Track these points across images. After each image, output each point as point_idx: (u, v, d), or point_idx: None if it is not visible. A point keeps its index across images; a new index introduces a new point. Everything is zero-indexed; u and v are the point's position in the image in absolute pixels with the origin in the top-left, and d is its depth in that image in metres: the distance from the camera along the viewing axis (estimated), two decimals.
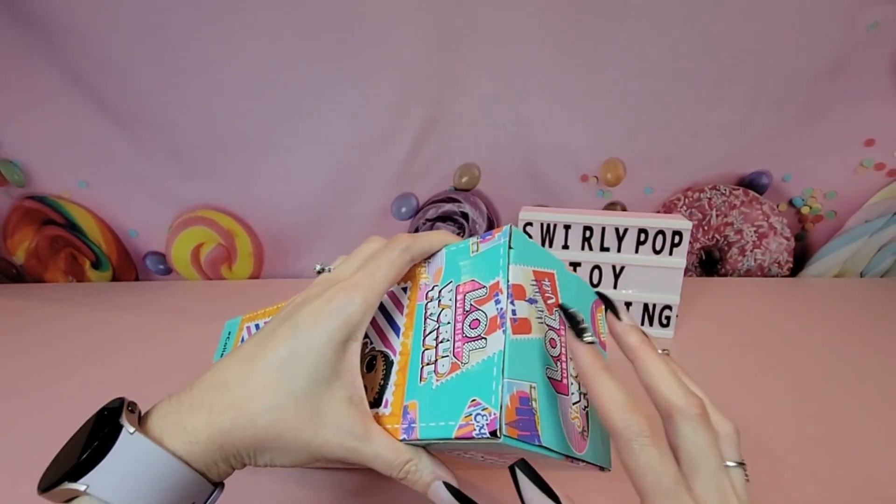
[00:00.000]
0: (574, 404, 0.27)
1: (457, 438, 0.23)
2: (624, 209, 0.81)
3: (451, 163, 0.79)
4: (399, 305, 0.30)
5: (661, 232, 0.59)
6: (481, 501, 0.26)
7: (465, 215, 0.82)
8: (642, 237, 0.59)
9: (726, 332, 0.63)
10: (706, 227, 0.81)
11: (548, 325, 0.27)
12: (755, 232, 0.80)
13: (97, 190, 0.77)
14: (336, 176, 0.78)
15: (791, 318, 0.68)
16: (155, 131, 0.73)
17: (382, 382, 0.28)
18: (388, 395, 0.27)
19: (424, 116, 0.75)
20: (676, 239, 0.58)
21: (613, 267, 0.61)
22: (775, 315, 0.68)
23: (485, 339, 0.25)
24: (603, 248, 0.61)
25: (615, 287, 0.62)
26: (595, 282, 0.62)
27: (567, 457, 0.26)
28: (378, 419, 0.27)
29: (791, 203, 0.81)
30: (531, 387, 0.24)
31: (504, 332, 0.24)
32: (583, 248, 0.61)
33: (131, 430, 0.23)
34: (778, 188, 0.80)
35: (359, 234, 0.80)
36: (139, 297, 0.76)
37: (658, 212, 0.81)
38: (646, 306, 0.61)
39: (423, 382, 0.26)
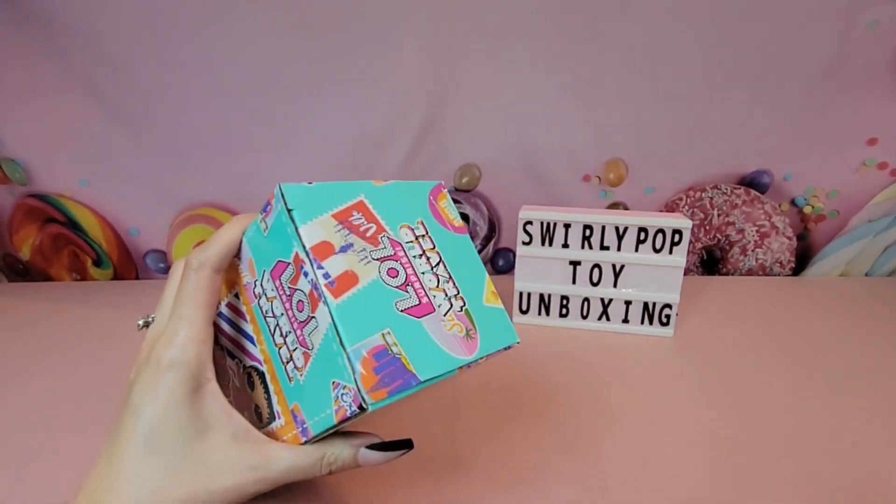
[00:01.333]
0: (446, 314, 0.26)
1: (339, 423, 0.23)
2: (626, 209, 0.81)
3: (451, 163, 0.79)
4: (240, 314, 0.27)
5: (661, 231, 0.58)
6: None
7: (465, 216, 0.82)
8: (642, 236, 0.59)
9: (726, 332, 0.63)
10: (708, 227, 0.81)
11: (378, 258, 0.25)
12: (757, 231, 0.80)
13: (98, 188, 0.77)
14: (336, 175, 0.78)
15: (792, 317, 0.67)
16: (156, 130, 0.74)
17: (266, 396, 0.26)
18: (276, 407, 0.26)
19: (425, 116, 0.75)
20: (676, 238, 0.58)
21: (613, 266, 0.61)
22: (776, 314, 0.68)
23: (314, 317, 0.23)
24: (603, 247, 0.61)
25: (615, 286, 0.61)
26: (595, 280, 0.62)
27: (461, 368, 0.25)
28: (276, 433, 0.26)
29: (793, 202, 0.80)
30: (384, 334, 0.23)
31: (325, 302, 0.23)
32: (583, 247, 0.61)
33: None
34: (779, 187, 0.79)
35: None
36: (139, 296, 0.77)
37: (660, 211, 0.81)
38: (646, 305, 0.61)
39: (292, 382, 0.25)
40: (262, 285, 0.25)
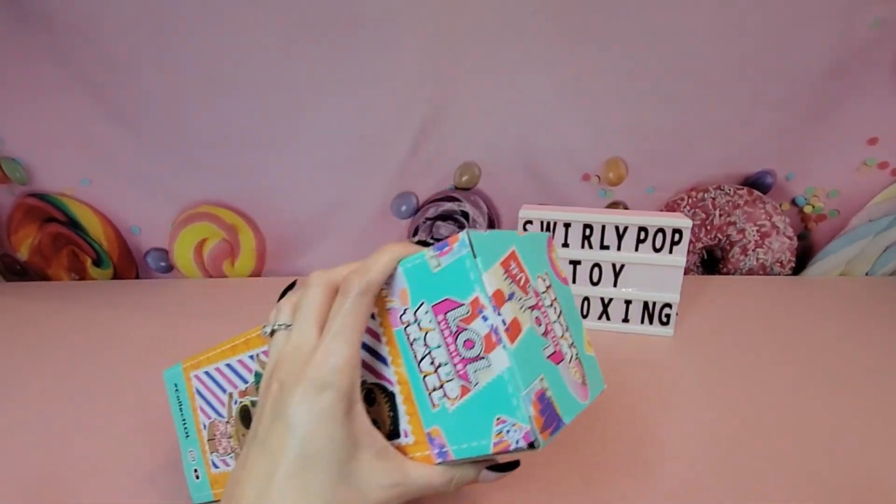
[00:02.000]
0: (570, 361, 0.28)
1: (495, 454, 0.25)
2: (626, 209, 0.81)
3: (451, 161, 0.79)
4: (374, 335, 0.28)
5: (661, 230, 0.58)
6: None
7: (465, 214, 0.81)
8: (642, 235, 0.59)
9: (726, 331, 0.63)
10: (709, 227, 0.81)
11: (529, 306, 0.26)
12: (757, 231, 0.80)
13: (100, 187, 0.77)
14: (336, 174, 0.78)
15: (792, 316, 0.67)
16: (158, 129, 0.74)
17: (392, 414, 0.27)
18: (405, 426, 0.27)
19: (425, 115, 0.75)
20: (676, 237, 0.58)
21: (613, 265, 0.61)
22: (776, 314, 0.68)
23: (486, 357, 0.24)
24: (603, 247, 0.60)
25: (615, 285, 0.61)
26: (595, 280, 0.62)
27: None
28: (403, 449, 0.27)
29: (794, 202, 0.80)
30: (541, 379, 0.25)
31: (503, 346, 0.24)
32: (582, 247, 0.61)
33: None
34: (781, 187, 0.79)
35: (359, 232, 0.81)
36: (140, 296, 0.77)
37: (660, 211, 0.81)
38: (646, 304, 0.61)
39: (436, 409, 0.26)
40: (415, 314, 0.26)
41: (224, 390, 0.34)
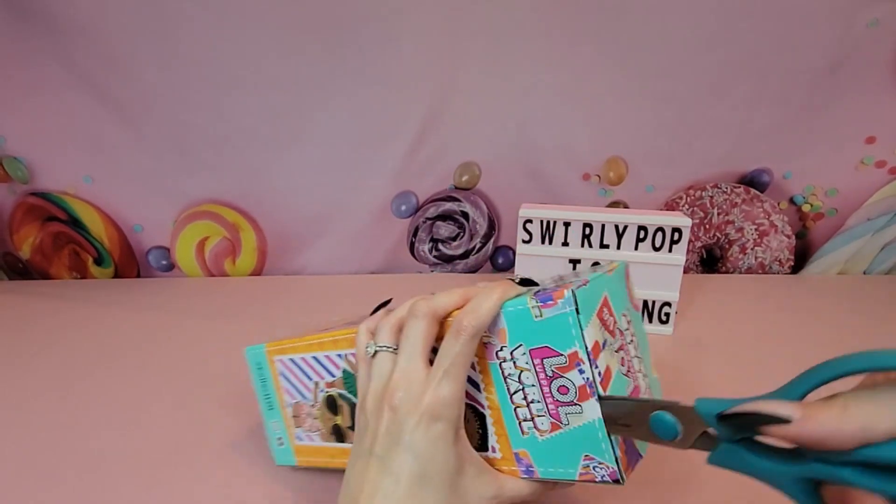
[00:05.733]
0: (644, 392, 0.29)
1: (580, 481, 0.27)
2: (626, 208, 0.81)
3: (451, 161, 0.80)
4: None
5: (661, 229, 0.59)
6: None
7: (465, 214, 0.82)
8: (642, 234, 0.59)
9: (726, 329, 0.63)
10: (707, 226, 0.81)
11: (616, 349, 0.28)
12: (756, 230, 0.80)
13: (102, 186, 0.78)
14: (337, 173, 0.78)
15: (791, 314, 0.68)
16: (160, 127, 0.74)
17: (480, 431, 0.30)
18: (493, 443, 0.29)
19: (425, 114, 0.75)
20: (676, 236, 0.58)
21: None
22: (775, 312, 0.68)
23: (578, 405, 0.26)
24: (602, 246, 0.61)
25: None
26: None
27: None
28: (491, 462, 0.30)
29: (792, 201, 0.80)
30: None
31: (596, 399, 0.26)
32: (582, 245, 0.61)
33: None
34: (779, 186, 0.80)
35: (359, 231, 0.81)
36: (141, 295, 0.77)
37: (660, 210, 0.81)
38: (645, 303, 0.62)
39: (525, 436, 0.28)
40: (511, 353, 0.28)
41: (310, 378, 0.38)
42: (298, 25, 0.69)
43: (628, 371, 0.28)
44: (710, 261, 0.85)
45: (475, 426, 0.30)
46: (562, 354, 0.26)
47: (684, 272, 0.60)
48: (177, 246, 0.82)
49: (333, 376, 0.36)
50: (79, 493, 0.39)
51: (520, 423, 0.28)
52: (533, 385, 0.27)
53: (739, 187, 0.79)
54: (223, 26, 0.68)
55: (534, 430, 0.28)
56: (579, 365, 0.26)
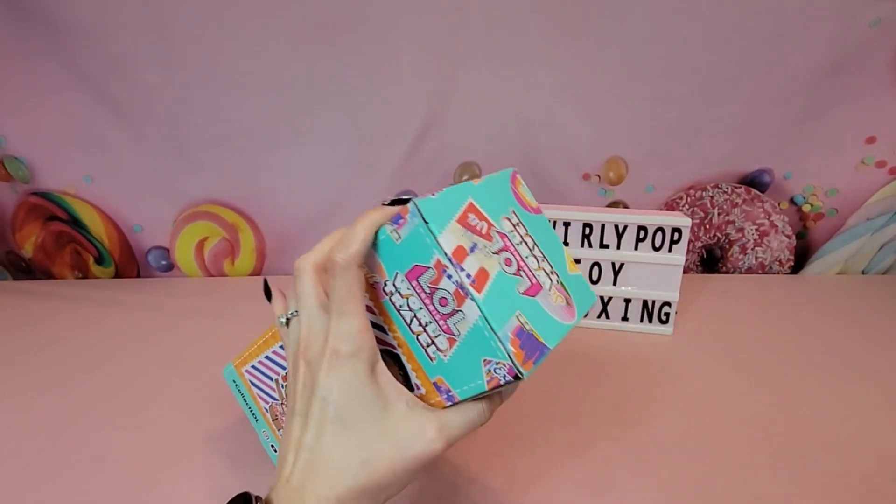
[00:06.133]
0: (550, 289, 0.30)
1: (490, 390, 0.27)
2: (626, 208, 0.81)
3: (451, 160, 0.80)
4: (368, 309, 0.31)
5: (661, 229, 0.59)
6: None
7: None
8: (641, 234, 0.59)
9: (726, 330, 0.63)
10: (708, 226, 0.81)
11: (495, 251, 0.28)
12: (756, 230, 0.80)
13: (102, 186, 0.78)
14: (336, 172, 0.78)
15: (791, 314, 0.68)
16: (160, 127, 0.74)
17: (402, 372, 0.30)
18: (415, 381, 0.30)
19: (425, 114, 0.75)
20: (676, 236, 0.58)
21: (613, 264, 0.61)
22: (775, 312, 0.68)
23: (460, 310, 0.27)
24: (602, 245, 0.61)
25: (615, 284, 0.62)
26: (595, 279, 0.62)
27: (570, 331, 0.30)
28: (421, 399, 0.29)
29: (792, 201, 0.80)
30: (518, 316, 0.27)
31: (472, 298, 0.26)
32: (582, 245, 0.61)
33: None
34: (779, 186, 0.80)
35: None
36: (140, 294, 0.77)
37: (660, 210, 0.81)
38: (645, 303, 0.62)
39: (434, 361, 0.28)
40: (394, 285, 0.29)
41: (271, 378, 0.39)
42: (298, 25, 0.69)
43: (518, 270, 0.29)
44: (710, 261, 0.85)
45: (397, 370, 0.30)
46: (429, 267, 0.27)
47: (684, 272, 0.60)
48: (176, 246, 0.82)
49: (284, 368, 0.37)
50: (79, 492, 0.39)
51: (425, 350, 0.29)
52: (421, 308, 0.28)
53: (740, 187, 0.79)
54: (223, 26, 0.68)
55: (438, 352, 0.28)
56: (446, 271, 0.27)
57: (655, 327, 0.62)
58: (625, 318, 0.63)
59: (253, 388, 0.40)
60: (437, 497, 0.38)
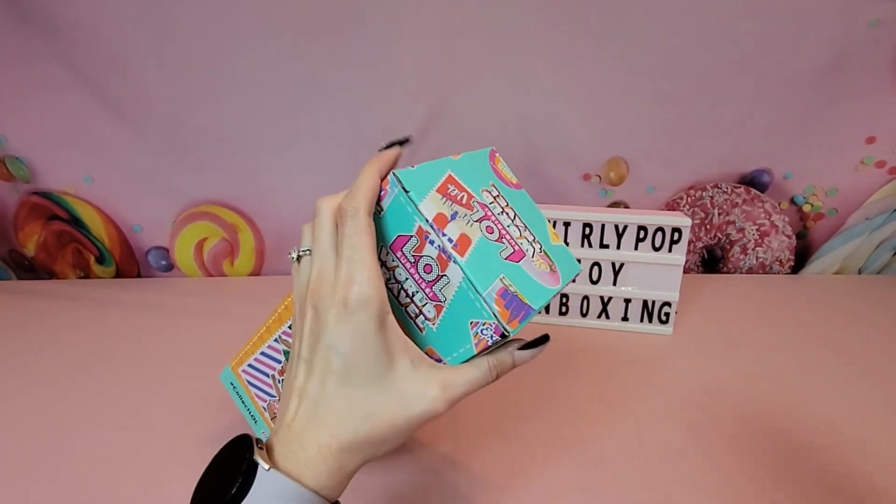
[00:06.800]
0: (533, 256, 0.31)
1: (479, 353, 0.28)
2: (626, 208, 0.81)
3: None
4: None
5: (661, 229, 0.59)
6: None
7: None
8: (642, 234, 0.59)
9: (725, 329, 0.63)
10: (708, 226, 0.81)
11: (476, 220, 0.29)
12: (757, 230, 0.80)
13: (102, 186, 0.78)
14: (337, 172, 0.78)
15: (790, 314, 0.68)
16: (160, 128, 0.74)
17: None
18: None
19: (425, 114, 0.75)
20: (676, 236, 0.58)
21: (613, 264, 0.61)
22: (775, 312, 0.68)
23: (445, 275, 0.28)
24: (602, 245, 0.61)
25: (614, 283, 0.62)
26: (595, 278, 0.62)
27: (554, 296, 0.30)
28: None
29: (792, 201, 0.80)
30: (501, 279, 0.28)
31: (454, 261, 0.27)
32: (582, 245, 0.61)
33: (266, 467, 0.24)
34: (779, 186, 0.80)
35: None
36: (140, 294, 0.77)
37: (661, 210, 0.81)
38: (645, 303, 0.62)
39: (423, 332, 0.29)
40: (380, 258, 0.28)
41: (267, 374, 0.39)
42: (298, 25, 0.69)
43: (501, 238, 0.30)
44: (711, 261, 0.85)
45: None
46: (411, 236, 0.28)
47: (685, 272, 0.60)
48: (176, 246, 0.82)
49: (279, 362, 0.38)
50: (79, 492, 0.39)
51: (414, 321, 0.29)
52: (406, 278, 0.29)
53: (740, 187, 0.79)
54: (223, 27, 0.69)
55: (426, 321, 0.29)
56: (428, 237, 0.27)
57: (655, 327, 0.62)
58: (625, 318, 0.63)
59: (250, 387, 0.40)
60: (438, 495, 0.38)
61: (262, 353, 0.38)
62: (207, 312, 0.70)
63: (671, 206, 0.81)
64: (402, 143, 0.30)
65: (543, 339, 0.31)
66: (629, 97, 0.75)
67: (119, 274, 0.84)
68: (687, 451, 0.43)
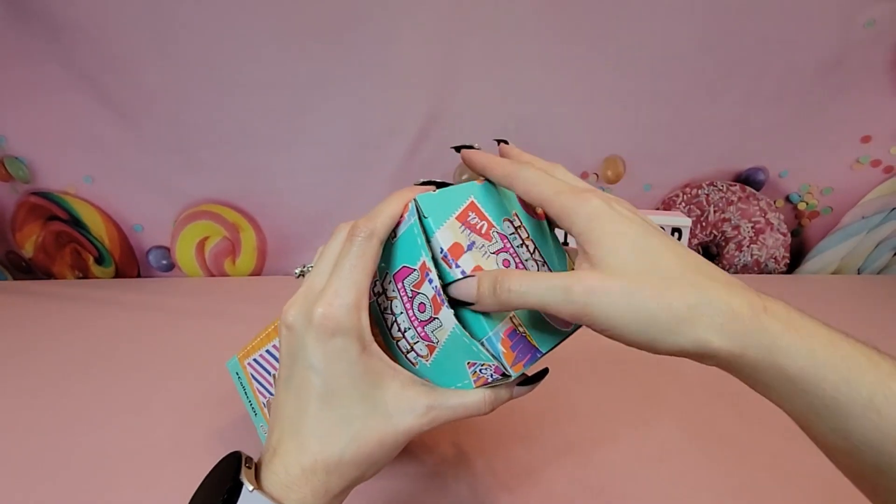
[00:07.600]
0: None
1: (479, 387, 0.27)
2: None
3: (451, 160, 0.80)
4: None
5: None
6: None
7: None
8: None
9: None
10: (704, 224, 0.82)
11: (493, 252, 0.28)
12: (752, 228, 0.81)
13: (102, 185, 0.78)
14: (337, 172, 0.79)
15: None
16: (160, 127, 0.74)
17: None
18: None
19: (425, 114, 0.75)
20: (675, 236, 0.59)
21: None
22: None
23: (437, 318, 0.26)
24: None
25: None
26: None
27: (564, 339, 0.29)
28: None
29: (788, 199, 0.81)
30: (511, 318, 0.27)
31: (448, 306, 0.26)
32: None
33: (250, 487, 0.23)
34: (775, 184, 0.80)
35: None
36: (141, 294, 0.77)
37: (657, 208, 0.82)
38: None
39: (416, 366, 0.28)
40: (382, 285, 0.28)
41: (269, 373, 0.38)
42: (298, 25, 0.69)
43: (518, 268, 0.29)
44: (706, 258, 0.85)
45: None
46: (414, 269, 0.26)
47: None
48: (177, 246, 0.82)
49: None
50: (79, 492, 0.39)
51: (405, 356, 0.28)
52: (401, 312, 0.27)
53: (735, 185, 0.80)
54: (223, 26, 0.68)
55: (418, 357, 0.27)
56: (428, 275, 0.26)
57: None
58: None
59: (254, 381, 0.40)
60: (438, 496, 0.39)
61: (267, 351, 0.38)
62: (208, 312, 0.70)
63: (667, 203, 0.82)
64: (438, 184, 0.29)
65: (543, 374, 0.30)
66: (626, 96, 0.75)
67: (118, 274, 0.84)
68: (687, 450, 0.43)
